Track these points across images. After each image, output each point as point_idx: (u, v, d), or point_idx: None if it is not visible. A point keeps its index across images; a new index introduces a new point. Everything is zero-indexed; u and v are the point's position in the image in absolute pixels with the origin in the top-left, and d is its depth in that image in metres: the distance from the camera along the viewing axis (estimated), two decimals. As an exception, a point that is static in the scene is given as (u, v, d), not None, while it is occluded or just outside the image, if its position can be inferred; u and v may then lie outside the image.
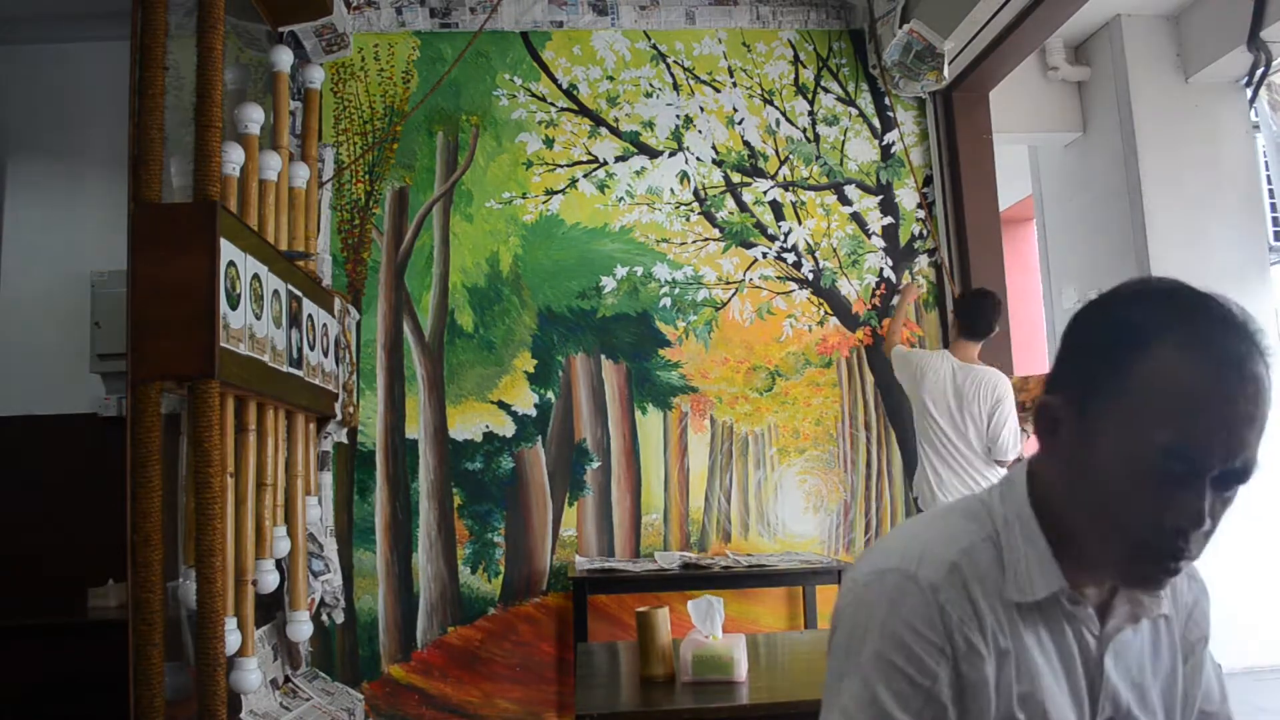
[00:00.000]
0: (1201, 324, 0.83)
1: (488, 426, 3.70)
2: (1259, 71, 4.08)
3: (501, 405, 3.71)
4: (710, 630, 2.02)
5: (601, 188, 3.88)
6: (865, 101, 4.03)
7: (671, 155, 3.92)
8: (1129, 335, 0.85)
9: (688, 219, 3.89)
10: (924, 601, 0.89)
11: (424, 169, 3.83)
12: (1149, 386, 0.83)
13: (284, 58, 3.04)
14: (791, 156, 3.97)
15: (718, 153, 3.94)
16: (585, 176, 3.87)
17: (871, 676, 0.88)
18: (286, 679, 2.85)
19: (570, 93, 3.92)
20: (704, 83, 3.98)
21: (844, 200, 3.96)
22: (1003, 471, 3.17)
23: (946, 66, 3.66)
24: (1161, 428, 0.81)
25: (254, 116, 2.69)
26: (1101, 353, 0.87)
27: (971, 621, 0.89)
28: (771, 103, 3.99)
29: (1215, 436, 0.81)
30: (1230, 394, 0.80)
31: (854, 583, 0.94)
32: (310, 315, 2.93)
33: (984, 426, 3.29)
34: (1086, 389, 0.87)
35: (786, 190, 3.95)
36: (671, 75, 3.97)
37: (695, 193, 3.91)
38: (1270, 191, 4.56)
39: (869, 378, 3.86)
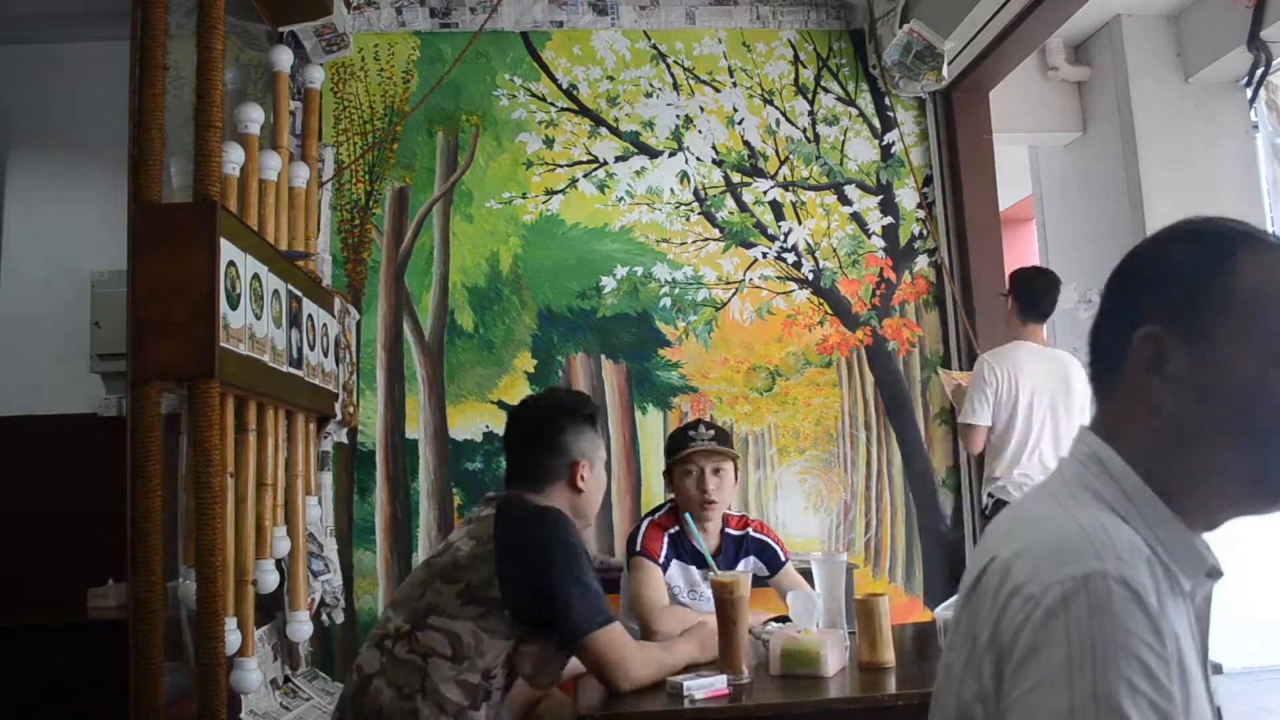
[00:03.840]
0: (1260, 234, 0.91)
1: (488, 426, 3.70)
2: (1259, 71, 4.08)
3: (502, 405, 3.71)
4: (807, 625, 2.02)
5: (601, 188, 3.88)
6: (865, 101, 4.03)
7: (671, 155, 3.92)
8: (1212, 253, 0.89)
9: (688, 219, 3.89)
10: (1143, 608, 0.78)
11: (424, 169, 3.82)
12: (1255, 289, 0.86)
13: (284, 58, 3.04)
14: (791, 156, 3.97)
15: (718, 153, 3.94)
16: (585, 176, 3.87)
17: (1118, 708, 0.75)
18: (286, 679, 2.85)
19: (570, 93, 3.92)
20: (704, 83, 3.98)
21: (844, 200, 3.96)
22: None
23: (946, 66, 3.66)
24: None
25: (254, 116, 2.69)
26: (1191, 277, 0.89)
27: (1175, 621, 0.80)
28: (771, 103, 3.99)
29: None
30: None
31: (1046, 596, 0.80)
32: (310, 315, 2.93)
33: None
34: (1188, 316, 0.87)
35: (786, 190, 3.95)
36: (671, 75, 3.97)
37: (695, 193, 3.91)
38: (1270, 191, 4.56)
39: (869, 378, 3.86)
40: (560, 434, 2.04)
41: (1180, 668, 0.78)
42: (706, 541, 2.52)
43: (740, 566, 2.58)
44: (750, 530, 2.65)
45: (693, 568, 2.57)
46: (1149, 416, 0.89)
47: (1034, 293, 3.41)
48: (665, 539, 2.53)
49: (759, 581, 2.57)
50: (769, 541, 2.64)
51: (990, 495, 3.37)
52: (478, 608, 1.81)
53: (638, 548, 2.51)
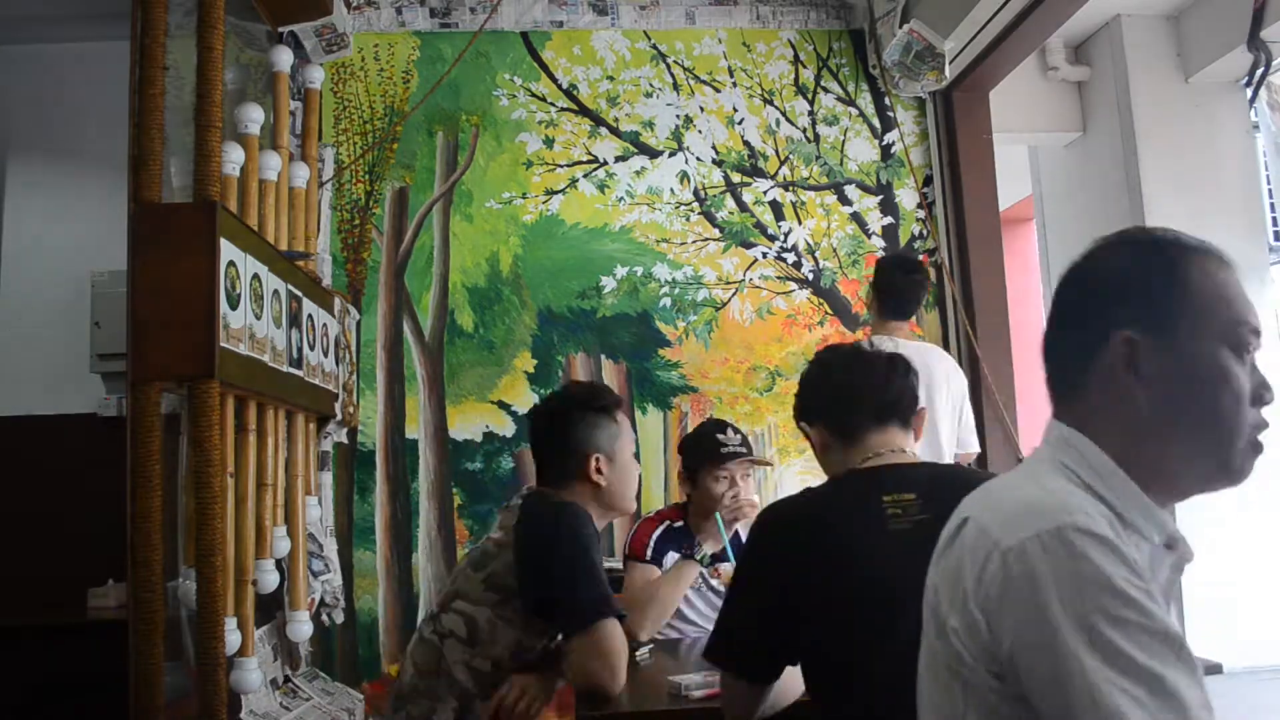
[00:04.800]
0: (1193, 240, 1.04)
1: (488, 426, 3.70)
2: (1259, 71, 4.07)
3: (502, 405, 3.71)
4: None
5: (601, 188, 3.88)
6: (865, 101, 4.03)
7: (671, 155, 3.92)
8: (1166, 261, 1.01)
9: (688, 219, 3.89)
10: (1115, 551, 0.88)
11: (424, 169, 3.82)
12: (1203, 288, 0.99)
13: (284, 58, 3.04)
14: (791, 156, 3.97)
15: (718, 153, 3.94)
16: (585, 176, 3.87)
17: (1112, 641, 0.84)
18: (286, 679, 2.85)
19: (570, 93, 3.92)
20: (704, 83, 3.98)
21: (844, 200, 3.96)
22: None
23: (947, 66, 3.66)
24: (1232, 310, 0.98)
25: (254, 116, 2.69)
26: (1152, 284, 1.00)
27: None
28: (771, 103, 3.99)
29: (1253, 310, 1.01)
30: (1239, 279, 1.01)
31: (1025, 549, 0.90)
32: (310, 315, 2.93)
33: (955, 419, 3.09)
34: (1156, 318, 0.98)
35: (786, 190, 3.95)
36: (671, 75, 3.97)
37: (695, 193, 3.91)
38: (1270, 191, 4.55)
39: (869, 378, 3.85)
40: (571, 429, 2.03)
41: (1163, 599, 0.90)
42: (714, 540, 2.53)
43: None
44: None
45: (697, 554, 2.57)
46: (1125, 410, 0.99)
47: (901, 290, 3.24)
48: (656, 532, 2.55)
49: None
50: None
51: None
52: (496, 595, 1.87)
53: (627, 551, 2.57)
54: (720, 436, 2.56)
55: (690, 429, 3.73)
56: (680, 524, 2.59)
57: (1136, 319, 0.98)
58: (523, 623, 1.86)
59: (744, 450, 2.54)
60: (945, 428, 3.12)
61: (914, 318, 3.39)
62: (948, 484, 1.44)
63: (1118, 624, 0.84)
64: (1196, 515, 4.30)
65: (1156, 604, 0.87)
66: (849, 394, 1.58)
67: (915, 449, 1.59)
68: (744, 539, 2.65)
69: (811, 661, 1.50)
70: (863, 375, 1.58)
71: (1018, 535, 0.91)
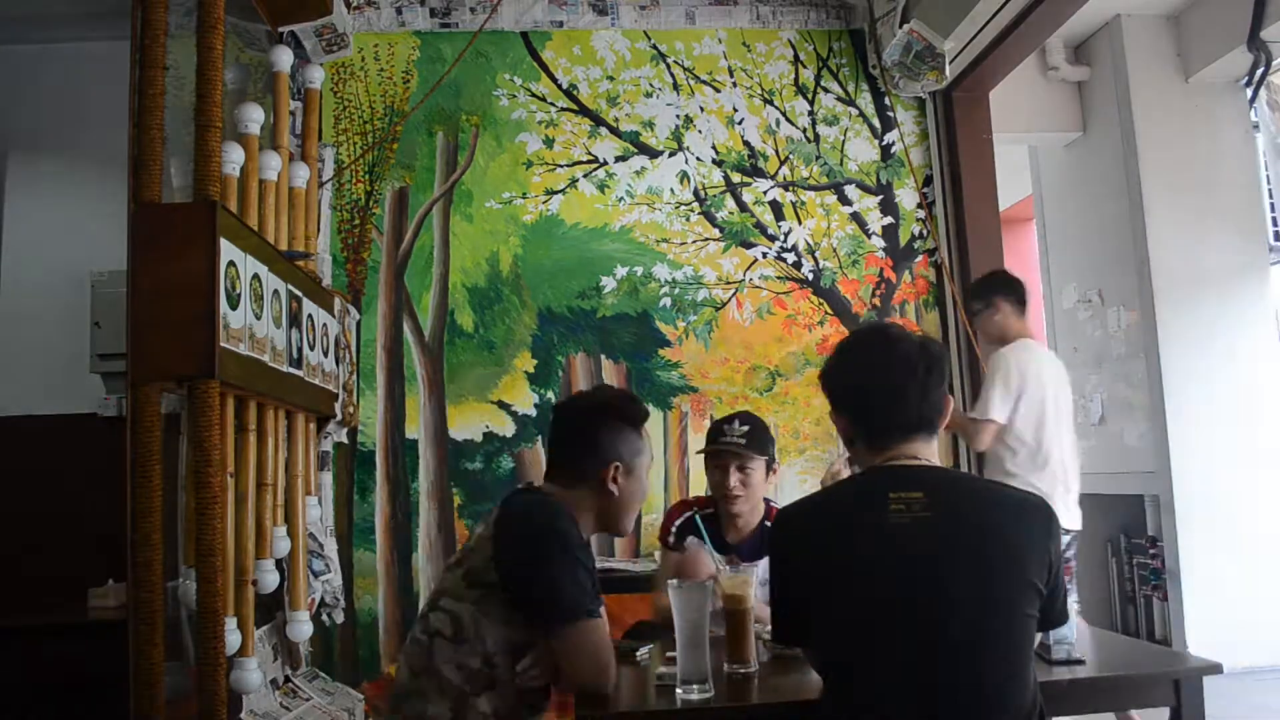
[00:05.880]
0: None
1: (488, 426, 3.70)
2: (1259, 71, 4.08)
3: (501, 405, 3.71)
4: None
5: (601, 188, 3.88)
6: (865, 101, 4.03)
7: (671, 155, 3.92)
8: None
9: (688, 219, 3.89)
10: None
11: (424, 169, 3.83)
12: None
13: (284, 58, 3.03)
14: (791, 156, 3.97)
15: (718, 153, 3.94)
16: (585, 176, 3.87)
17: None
18: (286, 679, 2.85)
19: (570, 93, 3.92)
20: (704, 83, 3.98)
21: (844, 200, 3.96)
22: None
23: (947, 66, 3.66)
24: None
25: (254, 116, 2.68)
26: None
27: None
28: (771, 103, 3.99)
29: None
30: None
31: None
32: (310, 315, 2.93)
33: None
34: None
35: (786, 190, 3.95)
36: (671, 75, 3.97)
37: (695, 193, 3.91)
38: (1270, 191, 4.56)
39: (869, 378, 3.85)
40: (596, 432, 1.97)
41: None
42: (739, 533, 2.57)
43: (764, 562, 2.61)
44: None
45: (713, 550, 2.60)
46: None
47: (1021, 291, 3.35)
48: (680, 519, 2.60)
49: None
50: None
51: None
52: (477, 590, 1.83)
53: (659, 536, 2.62)
54: (726, 427, 2.59)
55: (690, 429, 3.75)
56: (709, 511, 2.61)
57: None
58: (505, 617, 1.82)
59: (735, 443, 2.55)
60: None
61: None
62: (956, 487, 1.55)
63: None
64: (1197, 515, 4.30)
65: None
66: (881, 403, 1.60)
67: (933, 452, 1.61)
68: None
69: (816, 649, 1.60)
70: (895, 381, 1.58)
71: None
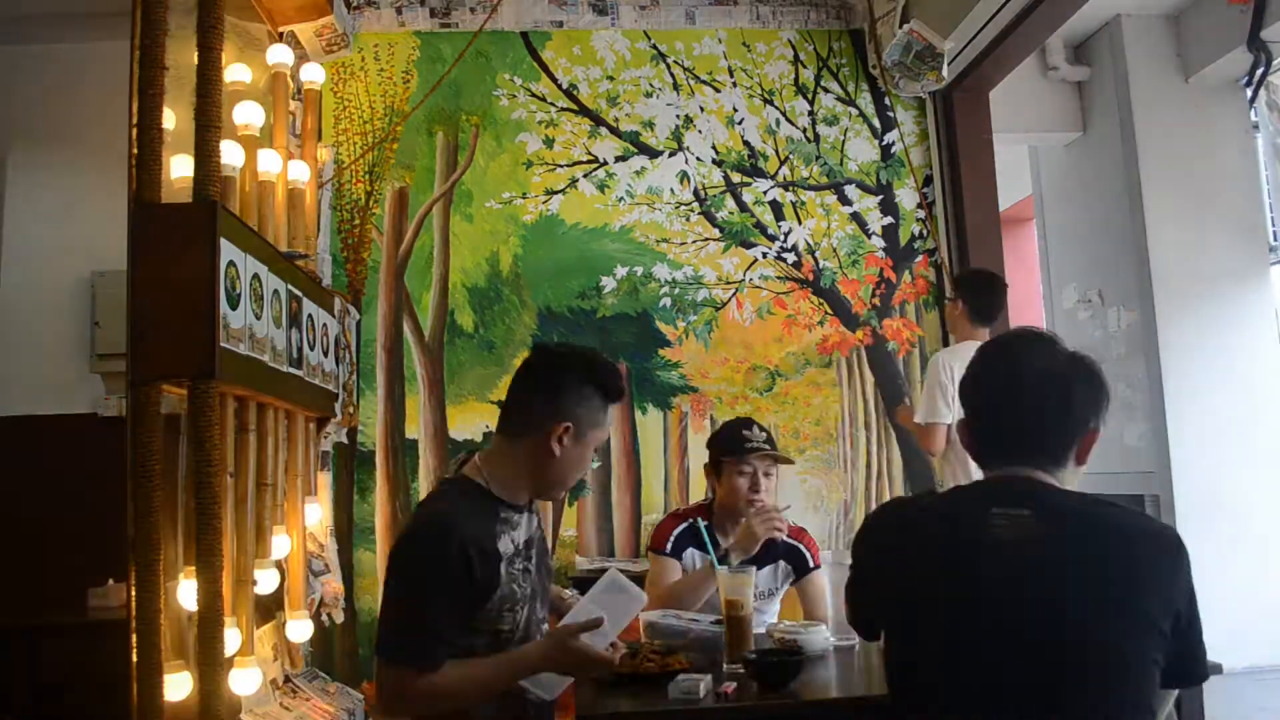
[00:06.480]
0: None
1: (488, 426, 3.70)
2: (1259, 72, 4.08)
3: (501, 405, 3.70)
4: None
5: (601, 188, 3.88)
6: (865, 101, 4.03)
7: (671, 155, 3.92)
8: None
9: (688, 219, 3.89)
10: None
11: (424, 169, 3.82)
12: None
13: (284, 57, 3.04)
14: (791, 156, 3.97)
15: (718, 153, 3.94)
16: (585, 176, 3.87)
17: None
18: (286, 679, 2.85)
19: (570, 93, 3.92)
20: (704, 83, 3.98)
21: (844, 200, 3.96)
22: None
23: (946, 66, 3.66)
24: None
25: (253, 117, 2.69)
26: None
27: None
28: (771, 103, 3.99)
29: None
30: None
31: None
32: (310, 315, 2.93)
33: None
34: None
35: (786, 190, 3.95)
36: (671, 75, 3.97)
37: (695, 193, 3.91)
38: (1269, 192, 4.56)
39: (869, 378, 3.86)
40: (561, 384, 1.86)
41: None
42: (736, 540, 2.59)
43: (768, 570, 2.63)
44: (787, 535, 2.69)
45: (711, 557, 2.62)
46: None
47: (982, 296, 3.39)
48: (678, 527, 2.61)
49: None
50: (800, 546, 2.66)
51: None
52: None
53: (650, 543, 2.64)
54: (745, 432, 2.62)
55: (690, 429, 3.75)
56: (707, 523, 2.62)
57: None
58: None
59: (766, 446, 2.60)
60: None
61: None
62: (1067, 509, 1.35)
63: None
64: (1197, 515, 4.30)
65: None
66: (998, 424, 1.42)
67: (1066, 477, 1.41)
68: (779, 545, 2.67)
69: (889, 659, 1.46)
70: (1027, 409, 1.39)
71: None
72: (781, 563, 2.64)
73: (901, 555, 1.41)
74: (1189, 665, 1.30)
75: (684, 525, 2.64)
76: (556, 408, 1.84)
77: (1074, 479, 1.41)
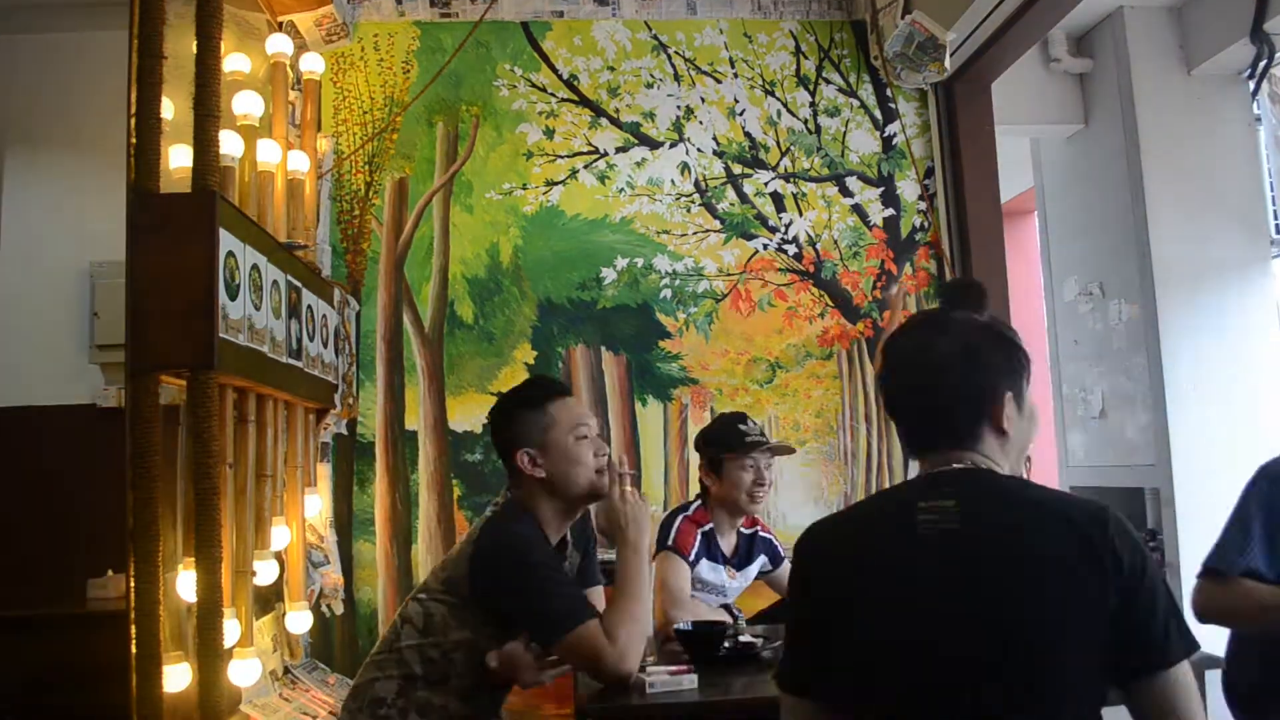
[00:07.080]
0: None
1: (486, 418, 3.69)
2: (1262, 64, 4.06)
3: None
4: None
5: (602, 179, 3.86)
6: (867, 93, 4.01)
7: (672, 146, 3.91)
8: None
9: (688, 210, 3.88)
10: None
11: (424, 159, 3.81)
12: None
13: (283, 47, 3.02)
14: (793, 148, 3.96)
15: (718, 144, 3.93)
16: (586, 167, 3.86)
17: None
18: (286, 670, 2.85)
19: (571, 83, 3.90)
20: (705, 73, 3.96)
21: (845, 192, 3.95)
22: None
23: (948, 58, 3.64)
24: None
25: (253, 106, 2.68)
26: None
27: None
28: (773, 94, 3.98)
29: None
30: None
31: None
32: (310, 306, 2.92)
33: None
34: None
35: (787, 182, 3.94)
36: (672, 66, 3.95)
37: (696, 184, 3.90)
38: (1271, 185, 4.54)
39: (869, 370, 3.85)
40: (498, 431, 2.10)
41: None
42: (726, 540, 2.68)
43: (755, 564, 2.72)
44: (759, 530, 2.80)
45: (722, 567, 2.65)
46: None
47: (957, 308, 3.38)
48: (698, 536, 2.62)
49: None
50: (771, 539, 2.81)
51: None
52: (453, 598, 1.95)
53: (670, 542, 2.60)
54: (742, 427, 2.64)
55: (690, 421, 3.74)
56: (709, 527, 2.64)
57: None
58: (475, 625, 1.93)
59: (765, 439, 2.62)
60: None
61: None
62: (993, 490, 1.26)
63: None
64: (1198, 508, 4.30)
65: None
66: (907, 415, 1.37)
67: (996, 455, 1.31)
68: (756, 541, 2.74)
69: (838, 677, 1.28)
70: (923, 392, 1.34)
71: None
72: (762, 556, 2.73)
73: (837, 563, 1.30)
74: (1147, 649, 1.15)
75: (702, 531, 2.65)
76: (509, 449, 2.05)
77: (1011, 456, 1.32)
